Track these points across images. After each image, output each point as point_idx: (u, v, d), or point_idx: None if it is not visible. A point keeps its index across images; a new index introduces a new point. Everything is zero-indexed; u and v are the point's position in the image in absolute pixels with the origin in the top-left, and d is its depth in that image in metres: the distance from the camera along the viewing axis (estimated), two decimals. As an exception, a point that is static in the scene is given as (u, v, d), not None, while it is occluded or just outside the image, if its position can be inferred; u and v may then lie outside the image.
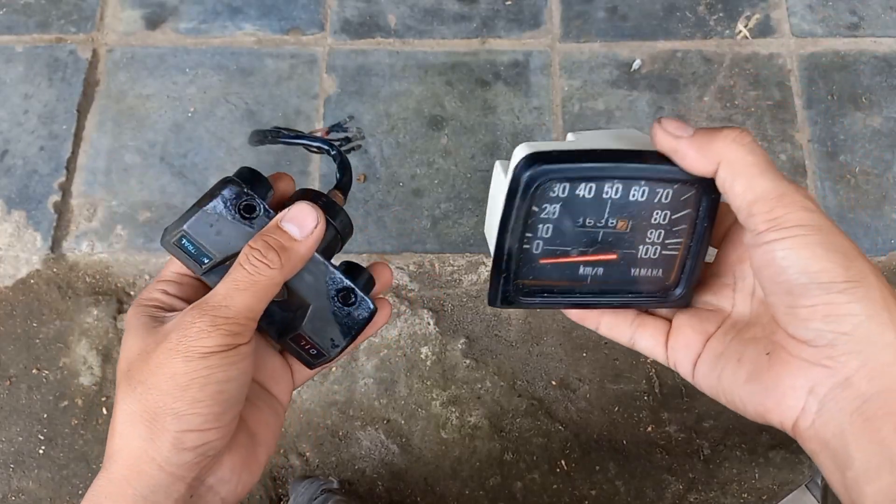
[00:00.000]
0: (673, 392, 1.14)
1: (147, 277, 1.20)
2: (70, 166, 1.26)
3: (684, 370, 0.35)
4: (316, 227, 0.34)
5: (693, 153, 0.30)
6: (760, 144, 0.30)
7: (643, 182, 0.33)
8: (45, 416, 1.15)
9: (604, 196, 0.33)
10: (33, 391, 1.16)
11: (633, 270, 0.35)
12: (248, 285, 0.33)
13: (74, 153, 1.27)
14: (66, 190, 1.25)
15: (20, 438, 1.14)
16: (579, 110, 1.27)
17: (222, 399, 0.32)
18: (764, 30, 1.33)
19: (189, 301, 0.35)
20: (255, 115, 1.29)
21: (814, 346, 0.29)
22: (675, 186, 0.33)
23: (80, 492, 1.12)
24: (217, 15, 1.36)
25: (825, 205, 1.21)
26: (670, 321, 0.37)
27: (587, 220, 0.34)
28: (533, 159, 0.32)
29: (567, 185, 0.33)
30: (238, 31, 1.35)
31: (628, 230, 0.34)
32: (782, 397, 0.30)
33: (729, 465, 1.11)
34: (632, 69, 1.30)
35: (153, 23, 1.36)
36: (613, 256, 0.35)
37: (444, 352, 1.16)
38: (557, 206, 0.33)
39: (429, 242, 1.21)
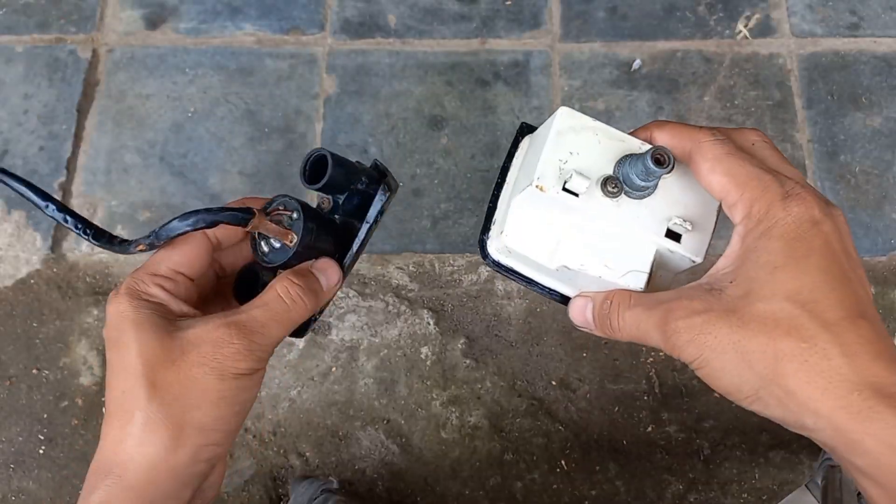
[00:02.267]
0: (673, 392, 1.14)
1: (147, 277, 1.20)
2: (70, 166, 1.26)
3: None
4: (336, 286, 0.37)
5: (608, 335, 0.34)
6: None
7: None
8: (46, 416, 1.15)
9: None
10: (33, 391, 1.16)
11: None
12: (285, 319, 0.34)
13: (74, 153, 1.27)
14: (66, 190, 1.25)
15: (20, 438, 1.14)
16: (579, 110, 1.27)
17: (241, 418, 0.33)
18: (764, 30, 1.33)
19: (187, 302, 0.35)
20: (255, 115, 1.29)
21: None
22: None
23: (80, 492, 1.12)
24: (217, 15, 1.36)
25: (825, 205, 1.21)
26: None
27: None
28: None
29: None
30: (238, 31, 1.35)
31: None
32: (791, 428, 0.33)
33: (729, 465, 1.11)
34: (632, 69, 1.30)
35: (153, 23, 1.36)
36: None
37: (444, 352, 1.16)
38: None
39: (429, 242, 1.21)
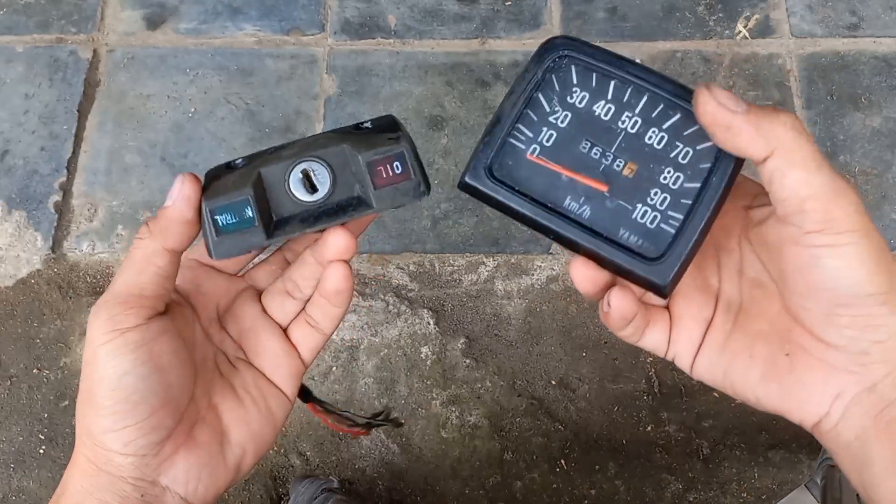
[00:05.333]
0: (672, 392, 1.14)
1: (147, 277, 1.20)
2: (71, 166, 1.27)
3: (684, 363, 0.34)
4: (181, 187, 0.33)
5: (749, 132, 0.28)
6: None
7: (665, 124, 0.31)
8: (46, 415, 1.15)
9: (619, 124, 0.31)
10: (34, 391, 1.16)
11: (620, 228, 0.31)
12: (126, 263, 0.32)
13: (75, 153, 1.28)
14: (66, 190, 1.25)
15: (21, 438, 1.14)
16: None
17: (122, 396, 0.30)
18: (763, 30, 1.33)
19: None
20: (256, 116, 1.29)
21: (845, 353, 0.29)
22: (698, 147, 0.30)
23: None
24: (217, 15, 1.36)
25: (825, 205, 1.21)
26: (668, 311, 0.35)
27: (593, 148, 0.31)
28: (570, 39, 0.32)
29: (586, 94, 0.31)
30: (238, 31, 1.35)
31: (633, 177, 0.31)
32: (806, 401, 0.30)
33: (728, 465, 1.11)
34: (631, 69, 1.31)
35: (154, 23, 1.36)
36: (604, 187, 0.31)
37: (444, 351, 1.16)
38: (568, 114, 0.31)
39: (429, 242, 1.21)
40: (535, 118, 0.31)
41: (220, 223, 0.32)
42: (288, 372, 0.37)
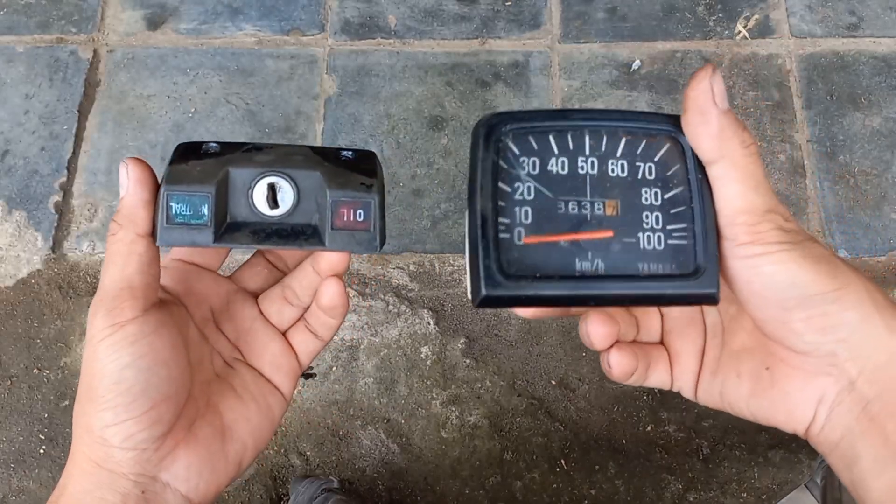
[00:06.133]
0: (672, 391, 1.14)
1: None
2: (71, 166, 1.27)
3: (687, 393, 0.35)
4: (128, 172, 0.32)
5: (712, 130, 0.29)
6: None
7: (618, 152, 0.31)
8: (46, 415, 1.15)
9: (579, 172, 0.31)
10: (34, 391, 1.16)
11: (638, 263, 0.30)
12: (108, 260, 0.32)
13: (75, 153, 1.28)
14: (66, 190, 1.25)
15: (21, 438, 1.14)
16: (579, 111, 1.27)
17: (123, 389, 0.30)
18: (763, 30, 1.33)
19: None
20: (256, 116, 1.29)
21: (814, 357, 0.29)
22: (656, 159, 0.30)
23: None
24: (217, 15, 1.36)
25: (824, 205, 1.21)
26: (664, 348, 0.36)
27: (569, 204, 0.31)
28: (496, 115, 0.31)
29: (535, 159, 0.31)
30: (238, 31, 1.35)
31: (618, 213, 0.31)
32: (792, 410, 0.31)
33: (728, 465, 1.11)
34: (631, 70, 1.31)
35: (154, 23, 1.36)
36: (610, 233, 0.31)
37: (444, 351, 1.16)
38: (531, 185, 0.31)
39: (429, 242, 1.21)
40: (504, 203, 0.31)
41: (173, 211, 0.32)
42: (286, 372, 0.38)
